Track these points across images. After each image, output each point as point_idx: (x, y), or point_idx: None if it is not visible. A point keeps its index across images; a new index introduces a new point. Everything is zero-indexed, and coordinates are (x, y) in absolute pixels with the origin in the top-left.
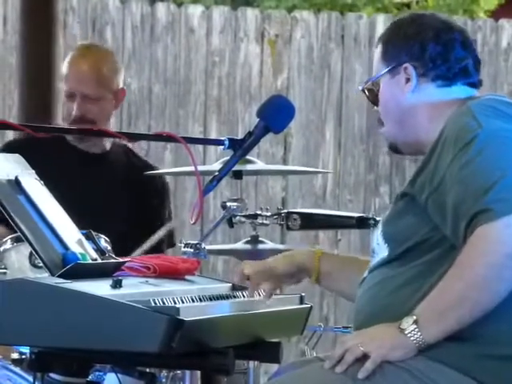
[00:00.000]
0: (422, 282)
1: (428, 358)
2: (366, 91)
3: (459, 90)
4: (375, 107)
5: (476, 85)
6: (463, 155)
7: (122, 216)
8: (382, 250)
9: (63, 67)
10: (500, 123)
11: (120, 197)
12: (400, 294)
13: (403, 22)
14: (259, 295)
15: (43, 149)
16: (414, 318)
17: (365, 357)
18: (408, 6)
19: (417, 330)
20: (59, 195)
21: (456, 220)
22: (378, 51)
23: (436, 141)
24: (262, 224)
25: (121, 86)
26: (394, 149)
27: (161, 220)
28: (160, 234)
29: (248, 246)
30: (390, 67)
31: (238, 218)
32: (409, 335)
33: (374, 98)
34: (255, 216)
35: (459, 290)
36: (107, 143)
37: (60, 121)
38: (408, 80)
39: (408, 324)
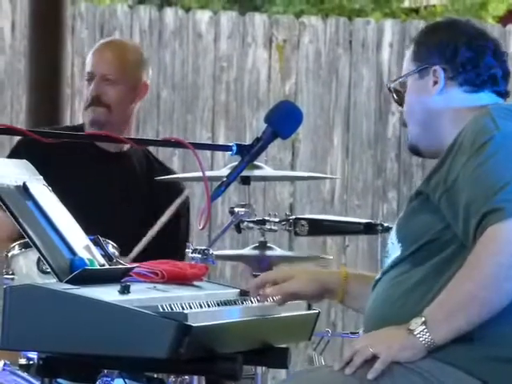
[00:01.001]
0: (432, 282)
1: (437, 359)
2: (393, 90)
3: (486, 97)
4: (400, 108)
5: (503, 94)
6: (478, 156)
7: (137, 216)
8: (395, 250)
9: (87, 58)
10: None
11: (135, 197)
12: (411, 295)
13: (438, 25)
14: (268, 301)
15: (61, 145)
16: (423, 318)
17: (374, 358)
18: (416, 11)
19: (426, 330)
20: (75, 192)
21: (467, 219)
22: (409, 51)
23: (453, 141)
24: (270, 230)
25: (143, 80)
26: (415, 150)
27: (176, 225)
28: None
29: (256, 252)
30: (419, 67)
31: (245, 223)
32: (418, 336)
33: (400, 97)
34: (263, 222)
35: (468, 290)
36: None
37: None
38: (436, 83)
39: (417, 325)
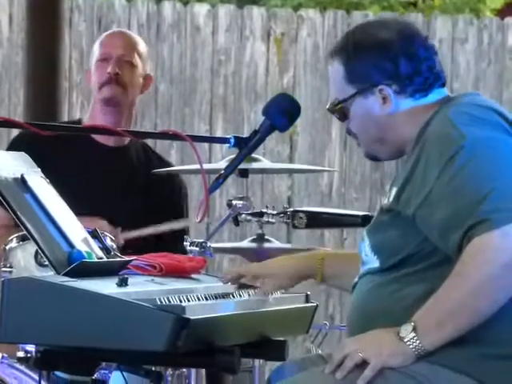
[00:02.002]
0: (415, 287)
1: (430, 362)
2: (334, 112)
3: (434, 95)
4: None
5: (445, 83)
6: (450, 168)
7: (135, 209)
8: (372, 261)
9: (94, 47)
10: (482, 131)
11: (134, 190)
12: (393, 299)
13: (359, 38)
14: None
15: (60, 139)
16: (413, 325)
17: (364, 363)
18: (414, 4)
19: (416, 338)
20: (73, 186)
21: (449, 232)
22: (336, 70)
23: (417, 156)
24: (268, 222)
25: (149, 72)
26: (373, 158)
27: (176, 217)
28: (173, 226)
29: (254, 245)
30: (360, 89)
31: (243, 216)
32: (408, 343)
33: (342, 115)
34: (261, 214)
35: (457, 299)
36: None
37: (69, 114)
38: (385, 99)
39: (407, 332)
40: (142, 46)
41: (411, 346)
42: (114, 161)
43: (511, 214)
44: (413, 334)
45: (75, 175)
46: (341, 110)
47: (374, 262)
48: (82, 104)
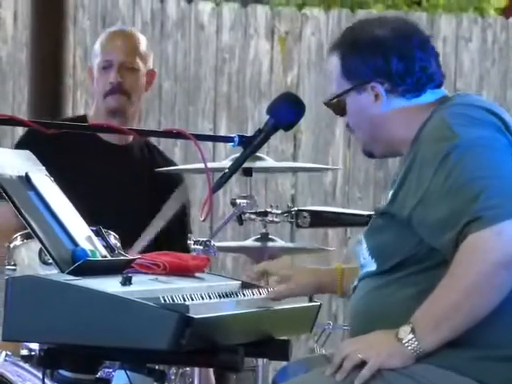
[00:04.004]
0: (412, 289)
1: (429, 362)
2: (331, 106)
3: (429, 96)
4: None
5: (442, 84)
6: (445, 167)
7: (139, 208)
8: (369, 264)
9: (96, 46)
10: (475, 131)
11: (138, 188)
12: (390, 301)
13: (356, 34)
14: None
15: (66, 138)
16: (411, 326)
17: (363, 364)
18: (418, 3)
19: (414, 339)
20: (78, 184)
21: (443, 231)
22: (334, 63)
23: (412, 157)
24: (272, 222)
25: (152, 67)
26: (369, 154)
27: (178, 215)
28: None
29: (258, 244)
30: (354, 85)
31: (247, 215)
32: (406, 344)
33: (339, 110)
34: (265, 213)
35: (452, 299)
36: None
37: (74, 112)
38: (377, 97)
39: (405, 333)
40: (143, 45)
41: (410, 348)
42: (118, 158)
43: (503, 211)
44: (411, 336)
45: (79, 173)
46: (337, 104)
47: (372, 265)
48: (86, 102)
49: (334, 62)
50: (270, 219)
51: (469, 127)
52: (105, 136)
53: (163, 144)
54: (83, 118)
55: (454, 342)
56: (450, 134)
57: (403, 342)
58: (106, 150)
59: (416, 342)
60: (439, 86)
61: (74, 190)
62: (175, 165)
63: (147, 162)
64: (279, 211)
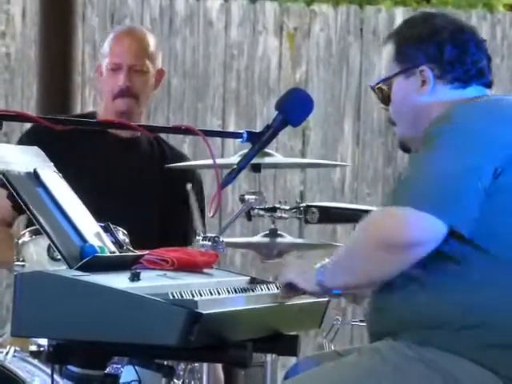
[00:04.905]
0: (409, 286)
1: (442, 349)
2: (377, 91)
3: (474, 91)
4: (384, 106)
5: (489, 84)
6: (426, 148)
7: (149, 201)
8: None
9: (105, 45)
10: (471, 125)
11: (148, 181)
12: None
13: (416, 22)
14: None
15: (71, 133)
16: (326, 261)
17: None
18: (427, 0)
19: (321, 270)
20: (86, 179)
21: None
22: (388, 50)
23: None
24: (281, 217)
25: (161, 66)
26: (405, 148)
27: (188, 207)
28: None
29: (266, 240)
30: (404, 68)
31: (256, 211)
32: (315, 273)
33: (384, 97)
34: (274, 209)
35: (344, 251)
36: None
37: (82, 108)
38: (424, 82)
39: (320, 264)
40: (152, 45)
41: (315, 273)
42: (125, 152)
43: (411, 200)
44: (319, 266)
45: (88, 167)
46: (383, 90)
47: None
48: (94, 98)
49: (389, 48)
50: (279, 215)
51: (469, 118)
52: (112, 130)
53: (172, 140)
54: (93, 115)
55: (468, 327)
56: (446, 120)
57: (315, 267)
58: (114, 143)
59: (320, 274)
60: (486, 85)
61: (81, 185)
62: (185, 157)
63: (157, 155)
64: (288, 207)
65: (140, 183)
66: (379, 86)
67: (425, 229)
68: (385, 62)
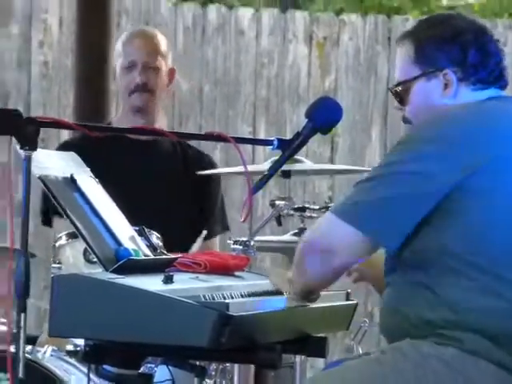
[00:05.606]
0: (407, 286)
1: (457, 348)
2: (395, 93)
3: (492, 92)
4: (400, 106)
5: (505, 86)
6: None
7: (179, 202)
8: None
9: (118, 45)
10: (432, 131)
11: (172, 182)
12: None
13: (435, 22)
14: None
15: (95, 142)
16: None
17: None
18: (454, 9)
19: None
20: (114, 183)
21: None
22: (406, 49)
23: None
24: (310, 217)
25: (172, 65)
26: None
27: (213, 205)
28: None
29: (295, 238)
30: (426, 71)
31: (286, 211)
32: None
33: (403, 97)
34: (303, 209)
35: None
36: None
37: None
38: (446, 85)
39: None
40: (163, 44)
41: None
42: (147, 154)
43: (338, 208)
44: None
45: (112, 172)
46: (401, 92)
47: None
48: None
49: (406, 48)
50: (308, 215)
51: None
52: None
53: (204, 147)
54: (110, 124)
55: (480, 329)
56: (414, 136)
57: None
58: (135, 146)
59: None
60: (503, 86)
61: (111, 190)
62: (208, 158)
63: (180, 157)
64: (317, 206)
65: (165, 183)
66: (398, 87)
67: (336, 237)
68: (402, 62)
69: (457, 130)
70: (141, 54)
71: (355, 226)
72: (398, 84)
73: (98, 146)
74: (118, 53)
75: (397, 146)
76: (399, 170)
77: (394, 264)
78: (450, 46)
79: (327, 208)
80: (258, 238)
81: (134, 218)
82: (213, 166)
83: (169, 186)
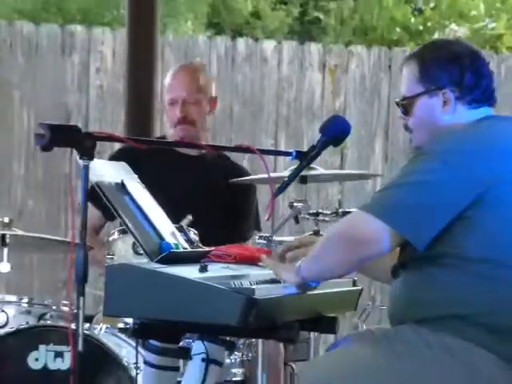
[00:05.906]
0: (417, 279)
1: (459, 337)
2: (401, 105)
3: (484, 111)
4: (403, 116)
5: (494, 104)
6: (409, 162)
7: (217, 206)
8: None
9: (166, 79)
10: (453, 146)
11: (215, 193)
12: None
13: (437, 46)
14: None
15: (149, 151)
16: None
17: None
18: None
19: (301, 263)
20: (163, 189)
21: None
22: (411, 68)
23: None
24: (323, 220)
25: (214, 94)
26: None
27: (249, 213)
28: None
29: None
30: (428, 89)
31: (302, 215)
32: (296, 268)
33: (407, 109)
34: (317, 214)
35: (321, 244)
36: None
37: (162, 131)
38: (445, 103)
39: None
40: (202, 78)
41: (296, 267)
42: (196, 167)
43: (375, 207)
44: (299, 263)
45: (164, 180)
46: (406, 105)
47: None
48: None
49: (411, 67)
50: (321, 218)
51: (451, 142)
52: (180, 149)
53: (234, 157)
54: (163, 138)
55: (475, 316)
56: (439, 139)
57: (296, 265)
58: (185, 159)
59: (299, 267)
60: (491, 105)
61: (159, 195)
62: (245, 170)
63: (221, 171)
64: (329, 212)
65: (209, 193)
66: (403, 102)
67: (367, 228)
68: (407, 79)
69: (480, 146)
70: (181, 91)
71: (389, 224)
72: (404, 99)
73: (147, 158)
74: (166, 88)
75: (420, 157)
76: (426, 179)
77: (409, 258)
78: (450, 67)
79: (337, 213)
80: (278, 237)
81: (175, 223)
82: (248, 175)
83: (211, 195)
